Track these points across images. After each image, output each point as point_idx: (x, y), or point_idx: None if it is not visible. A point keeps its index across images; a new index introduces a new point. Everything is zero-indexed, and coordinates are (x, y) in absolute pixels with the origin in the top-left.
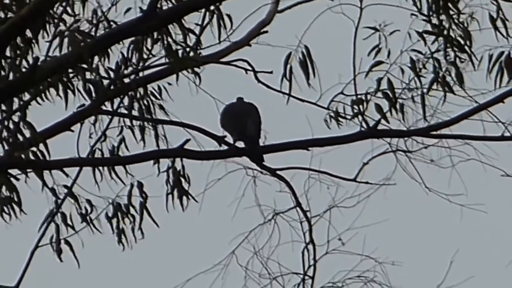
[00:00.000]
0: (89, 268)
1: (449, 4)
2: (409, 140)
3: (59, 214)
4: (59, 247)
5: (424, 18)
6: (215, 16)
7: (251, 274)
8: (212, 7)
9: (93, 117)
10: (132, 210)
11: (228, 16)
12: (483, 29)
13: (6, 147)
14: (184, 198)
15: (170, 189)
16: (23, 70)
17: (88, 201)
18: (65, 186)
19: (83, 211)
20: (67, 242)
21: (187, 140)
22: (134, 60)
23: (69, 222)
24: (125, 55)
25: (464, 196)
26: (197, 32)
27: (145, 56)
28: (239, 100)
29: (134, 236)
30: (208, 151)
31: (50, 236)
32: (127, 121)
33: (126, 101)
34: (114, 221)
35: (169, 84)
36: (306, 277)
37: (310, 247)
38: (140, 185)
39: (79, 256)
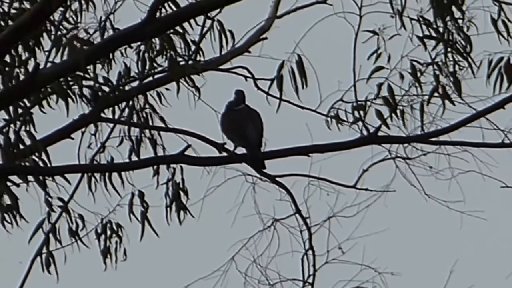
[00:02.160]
0: (90, 276)
1: (453, 7)
2: (409, 147)
3: (49, 226)
4: (48, 260)
5: (425, 22)
6: (216, 29)
7: (250, 281)
8: (213, 14)
9: (93, 127)
10: (120, 228)
11: (230, 31)
12: (482, 34)
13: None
14: (182, 212)
15: (169, 202)
16: (24, 76)
17: (80, 216)
18: (60, 199)
19: (73, 227)
20: (51, 255)
21: (188, 146)
22: (136, 70)
23: (63, 234)
24: (128, 65)
25: (463, 203)
26: (197, 40)
27: (147, 67)
28: (239, 102)
29: (116, 257)
30: (209, 157)
31: (39, 247)
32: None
33: (126, 109)
34: (102, 238)
35: (167, 89)
36: (306, 284)
37: (310, 254)
38: (141, 194)
39: (82, 264)
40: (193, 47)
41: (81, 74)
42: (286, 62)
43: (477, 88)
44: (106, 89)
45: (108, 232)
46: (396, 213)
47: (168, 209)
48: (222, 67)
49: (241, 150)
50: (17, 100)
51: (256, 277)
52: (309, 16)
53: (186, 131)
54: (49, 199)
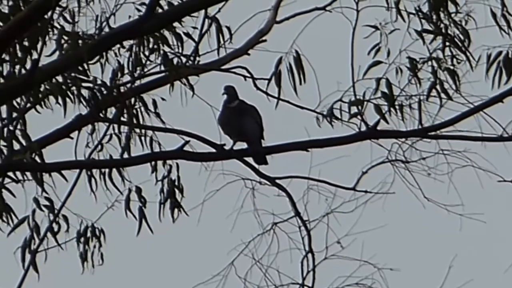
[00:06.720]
0: (89, 275)
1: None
2: (408, 149)
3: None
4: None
5: (423, 16)
6: (214, 27)
7: (250, 285)
8: (210, 15)
9: (90, 126)
10: (102, 233)
11: (228, 28)
12: (481, 28)
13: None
14: (176, 210)
15: (163, 199)
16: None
17: (64, 217)
18: (47, 199)
19: (56, 228)
20: (33, 253)
21: (186, 142)
22: (130, 68)
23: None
24: (121, 63)
25: (462, 205)
26: (195, 40)
27: (142, 63)
28: (232, 99)
29: (92, 261)
30: (208, 153)
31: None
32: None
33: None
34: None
35: (163, 99)
36: (305, 286)
37: (309, 256)
38: (139, 190)
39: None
40: (191, 45)
41: (79, 76)
42: (284, 58)
43: (475, 83)
44: (104, 89)
45: (88, 235)
46: (395, 210)
47: (162, 206)
48: (221, 67)
49: (241, 146)
50: (15, 97)
51: (255, 282)
52: (307, 18)
53: (185, 131)
54: (37, 197)
